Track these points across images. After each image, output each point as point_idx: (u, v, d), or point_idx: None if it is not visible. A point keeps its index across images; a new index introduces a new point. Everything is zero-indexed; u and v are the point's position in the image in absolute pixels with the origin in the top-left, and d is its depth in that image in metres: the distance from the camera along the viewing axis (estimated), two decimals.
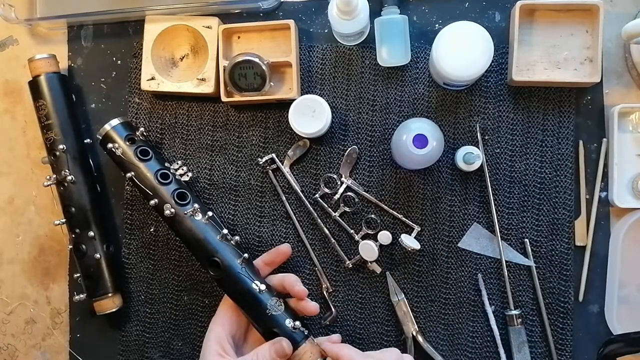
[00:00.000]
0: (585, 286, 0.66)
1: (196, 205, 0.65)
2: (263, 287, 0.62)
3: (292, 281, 0.64)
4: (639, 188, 0.65)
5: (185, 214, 0.64)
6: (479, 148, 0.66)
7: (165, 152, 0.73)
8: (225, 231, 0.64)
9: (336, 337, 0.64)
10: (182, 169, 0.70)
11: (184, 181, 0.68)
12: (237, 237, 0.65)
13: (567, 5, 0.65)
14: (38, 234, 0.76)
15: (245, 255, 0.63)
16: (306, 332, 0.62)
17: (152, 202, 0.65)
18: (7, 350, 0.77)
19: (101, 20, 0.74)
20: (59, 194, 0.70)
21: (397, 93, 0.69)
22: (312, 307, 0.63)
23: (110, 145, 0.67)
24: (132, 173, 0.66)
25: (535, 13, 0.66)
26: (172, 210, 0.64)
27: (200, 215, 0.65)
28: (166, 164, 0.69)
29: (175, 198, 0.65)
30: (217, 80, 0.70)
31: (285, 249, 0.67)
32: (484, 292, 0.67)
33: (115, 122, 0.68)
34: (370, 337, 0.69)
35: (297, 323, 0.61)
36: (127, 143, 0.67)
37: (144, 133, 0.70)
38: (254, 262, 0.66)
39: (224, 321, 0.63)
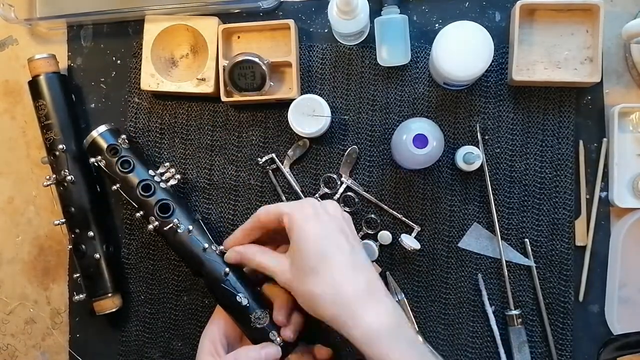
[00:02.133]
0: (585, 286, 0.66)
1: (176, 220, 0.63)
2: (246, 301, 0.61)
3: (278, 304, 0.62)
4: (639, 188, 0.65)
5: (167, 229, 0.63)
6: (479, 148, 0.66)
7: (165, 152, 0.73)
8: (206, 244, 0.63)
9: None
10: (170, 172, 0.68)
11: (171, 185, 0.67)
12: (221, 247, 0.64)
13: (567, 5, 0.65)
14: (38, 234, 0.76)
15: (227, 269, 0.62)
16: (294, 343, 0.62)
17: (137, 214, 0.65)
18: (6, 350, 0.77)
19: (101, 20, 0.74)
20: (59, 194, 0.70)
21: (397, 93, 0.69)
22: (287, 335, 0.61)
23: (92, 159, 0.66)
24: (118, 185, 0.66)
25: (535, 13, 0.66)
26: (156, 224, 0.64)
27: (182, 227, 0.63)
28: (150, 172, 0.67)
29: (158, 211, 0.64)
30: (216, 80, 0.69)
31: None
32: (484, 292, 0.67)
33: (102, 129, 0.67)
34: None
35: (279, 340, 0.60)
36: (110, 154, 0.66)
37: (126, 140, 0.68)
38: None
39: (219, 321, 0.63)
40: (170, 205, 0.65)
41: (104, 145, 0.67)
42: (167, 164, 0.69)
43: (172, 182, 0.68)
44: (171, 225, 0.63)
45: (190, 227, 0.64)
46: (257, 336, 0.61)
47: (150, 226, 0.64)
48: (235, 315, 0.62)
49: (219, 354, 0.60)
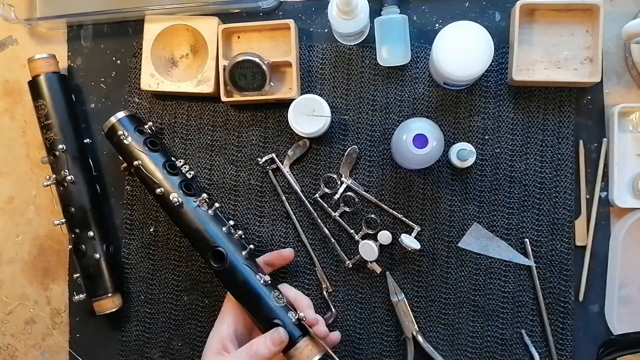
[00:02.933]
0: (585, 286, 0.66)
1: (205, 195, 0.65)
2: (267, 278, 0.63)
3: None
4: (639, 188, 0.65)
5: (193, 202, 0.65)
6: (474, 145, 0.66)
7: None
8: (232, 222, 0.66)
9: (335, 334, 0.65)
10: (185, 167, 0.71)
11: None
12: (240, 232, 0.65)
13: (567, 5, 0.65)
14: (38, 234, 0.76)
15: (251, 246, 0.64)
16: (308, 327, 0.62)
17: (158, 190, 0.65)
18: (7, 350, 0.77)
19: (101, 20, 0.74)
20: (59, 194, 0.70)
21: (397, 93, 0.69)
22: (323, 330, 0.62)
23: (120, 132, 0.67)
24: (139, 162, 0.67)
25: (535, 13, 0.66)
26: (179, 199, 0.64)
27: (206, 206, 0.65)
28: (172, 158, 0.69)
29: (183, 188, 0.66)
30: (217, 80, 0.69)
31: (288, 254, 0.67)
32: (529, 344, 0.67)
33: (121, 114, 0.69)
34: (370, 337, 0.69)
35: (302, 314, 0.61)
36: (137, 133, 0.68)
37: (152, 127, 0.70)
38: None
39: (228, 318, 0.63)
40: (193, 186, 0.67)
41: (129, 127, 0.68)
42: (182, 160, 0.71)
43: (189, 175, 0.70)
44: (197, 201, 0.65)
45: (217, 205, 0.66)
46: (275, 317, 0.61)
47: (175, 199, 0.64)
48: (252, 297, 0.62)
49: (227, 351, 0.60)
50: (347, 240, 0.69)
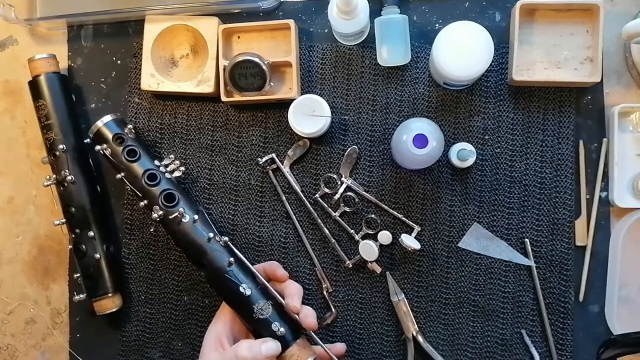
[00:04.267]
0: (585, 286, 0.66)
1: (181, 210, 0.64)
2: (249, 291, 0.61)
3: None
4: (639, 188, 0.65)
5: (171, 218, 0.64)
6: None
7: (165, 152, 0.73)
8: (211, 234, 0.64)
9: (340, 345, 0.65)
10: (175, 164, 0.69)
11: (175, 177, 0.68)
12: (225, 238, 0.64)
13: (567, 5, 0.65)
14: (38, 234, 0.76)
15: (231, 259, 0.63)
16: (294, 335, 0.62)
17: (142, 203, 0.65)
18: (7, 350, 0.77)
19: (101, 20, 0.74)
20: (59, 194, 0.70)
21: (397, 93, 0.69)
22: (310, 322, 0.62)
23: (98, 147, 0.67)
24: (122, 174, 0.66)
25: (535, 13, 0.66)
26: (160, 213, 0.64)
27: (187, 217, 0.64)
28: (156, 162, 0.68)
29: (163, 200, 0.64)
30: (217, 80, 0.69)
31: (282, 276, 0.65)
32: (529, 344, 0.67)
33: (106, 119, 0.68)
34: (370, 337, 0.69)
35: (282, 330, 0.60)
36: (116, 143, 0.67)
37: (132, 130, 0.69)
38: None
39: (225, 318, 0.64)
40: (175, 195, 0.65)
41: (110, 134, 0.67)
42: (172, 156, 0.70)
43: (177, 173, 0.68)
44: (176, 214, 0.63)
45: (196, 217, 0.64)
46: (259, 328, 0.61)
47: (155, 215, 0.64)
48: (238, 307, 0.62)
49: (223, 347, 0.60)
50: (347, 240, 0.69)
